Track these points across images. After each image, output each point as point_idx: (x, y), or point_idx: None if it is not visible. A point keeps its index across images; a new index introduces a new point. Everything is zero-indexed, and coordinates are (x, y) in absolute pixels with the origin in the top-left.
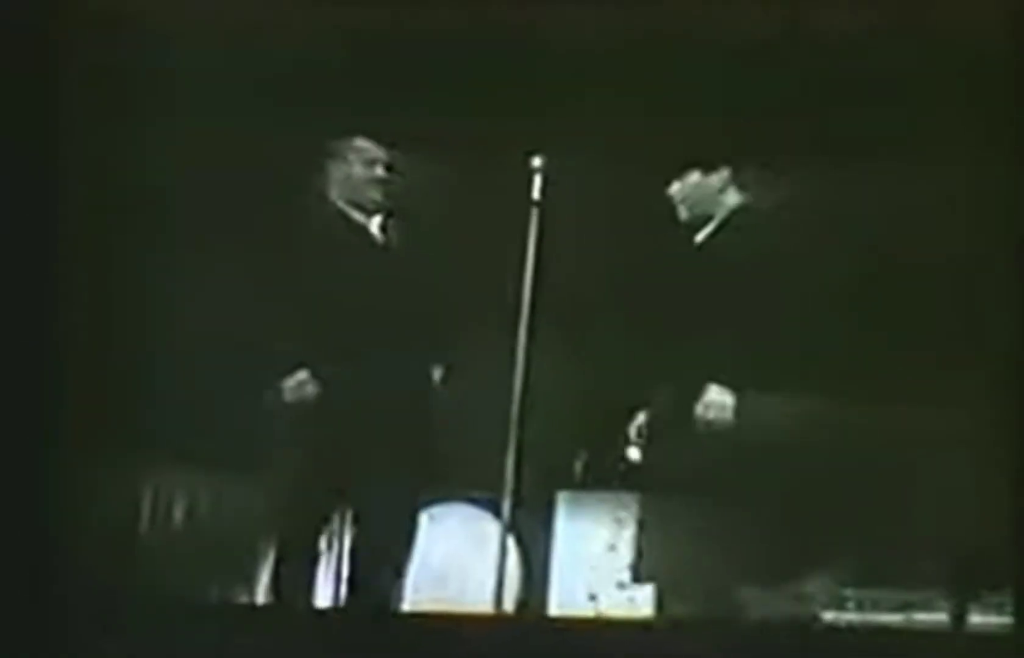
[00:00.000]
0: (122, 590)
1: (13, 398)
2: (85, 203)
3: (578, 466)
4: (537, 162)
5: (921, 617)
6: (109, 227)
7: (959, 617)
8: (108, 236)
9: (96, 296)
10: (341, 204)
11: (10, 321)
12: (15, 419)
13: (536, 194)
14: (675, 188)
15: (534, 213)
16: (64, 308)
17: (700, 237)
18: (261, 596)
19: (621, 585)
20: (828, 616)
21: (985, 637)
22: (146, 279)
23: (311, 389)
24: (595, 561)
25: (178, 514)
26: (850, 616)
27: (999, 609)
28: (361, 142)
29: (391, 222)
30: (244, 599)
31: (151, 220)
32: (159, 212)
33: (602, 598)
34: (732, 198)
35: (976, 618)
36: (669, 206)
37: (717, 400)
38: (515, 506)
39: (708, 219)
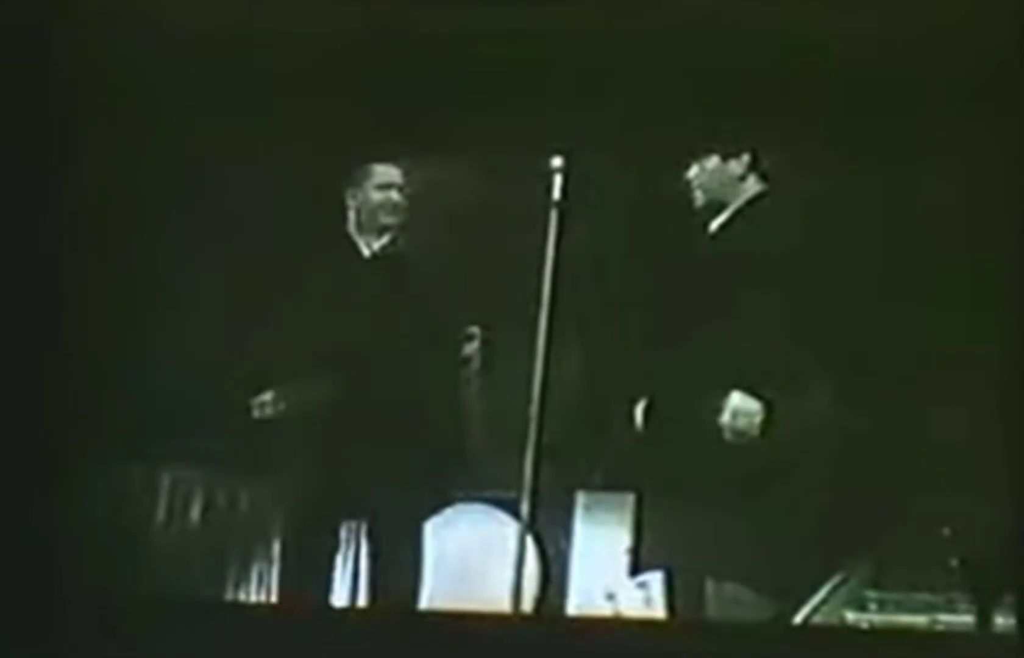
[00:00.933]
0: (125, 592)
1: (17, 400)
2: (90, 205)
3: (596, 474)
4: (557, 162)
5: (944, 619)
6: (113, 228)
7: (983, 619)
8: (112, 236)
9: (98, 298)
10: (351, 230)
11: (13, 323)
12: (19, 421)
13: (556, 194)
14: (693, 172)
15: (554, 213)
16: (67, 311)
17: (715, 224)
18: (277, 595)
19: (640, 584)
20: (850, 616)
21: (1007, 637)
22: (150, 280)
23: (326, 391)
24: (613, 561)
25: (186, 514)
26: (872, 617)
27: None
28: (379, 167)
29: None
30: (260, 598)
31: (156, 222)
32: (166, 214)
33: (620, 597)
34: (751, 186)
35: (999, 620)
36: (686, 193)
37: (737, 402)
38: (534, 506)
39: (723, 206)
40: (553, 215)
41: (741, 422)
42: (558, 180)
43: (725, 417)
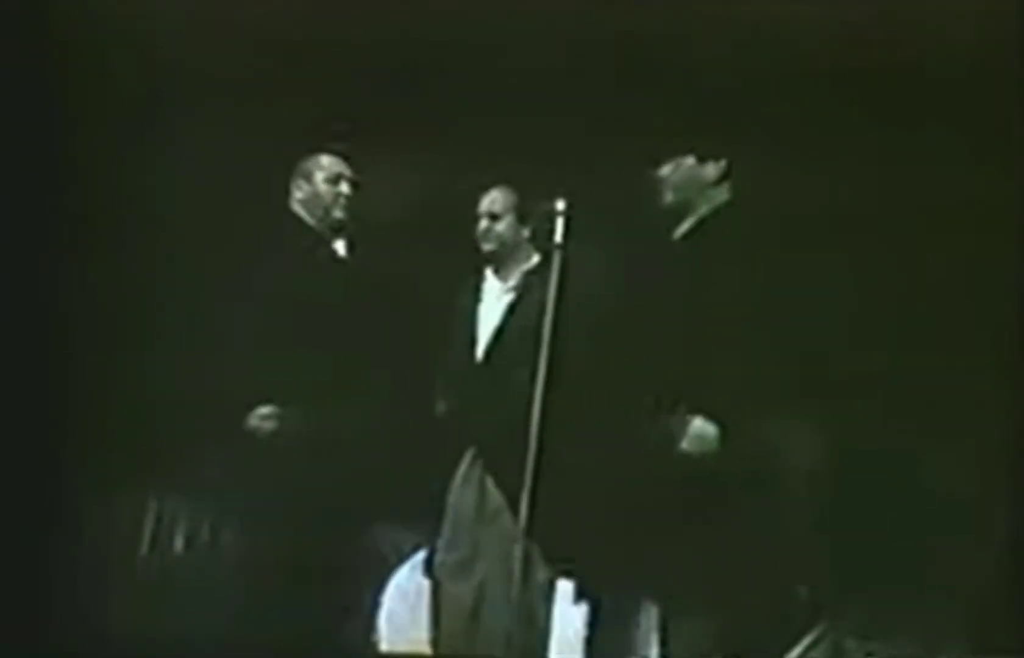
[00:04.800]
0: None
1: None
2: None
3: None
4: (560, 205)
5: None
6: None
7: None
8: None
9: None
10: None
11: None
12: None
13: (559, 237)
14: (666, 170)
15: (556, 255)
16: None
17: (680, 231)
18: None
19: None
20: None
21: None
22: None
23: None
24: None
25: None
26: None
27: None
28: (325, 158)
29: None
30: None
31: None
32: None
33: None
34: (721, 194)
35: None
36: (654, 193)
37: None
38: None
39: (690, 210)
40: (556, 257)
41: (696, 446)
42: (560, 223)
43: (684, 444)
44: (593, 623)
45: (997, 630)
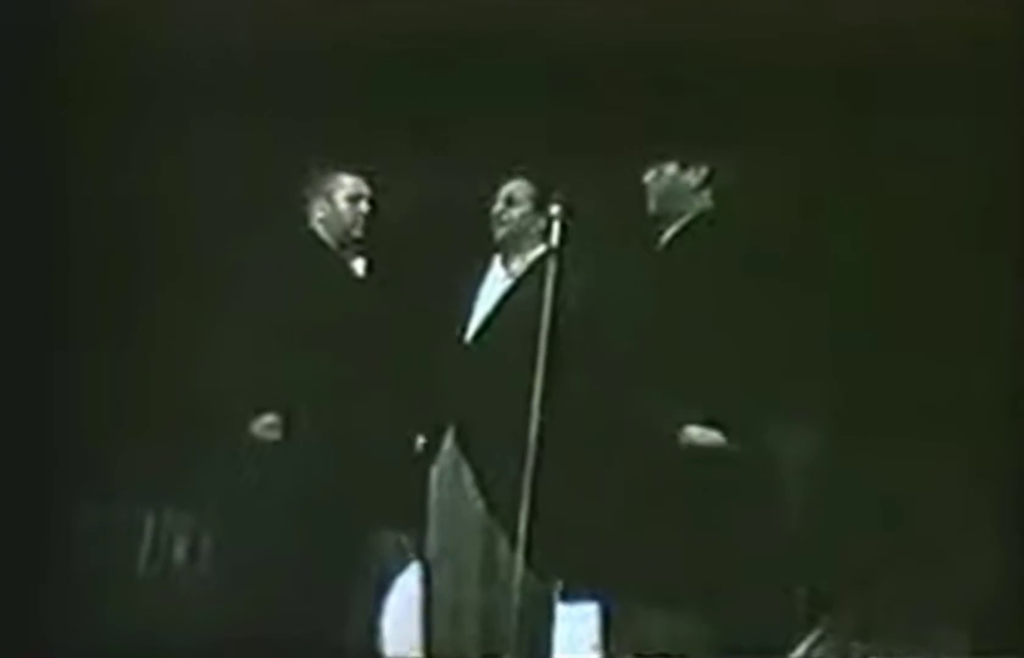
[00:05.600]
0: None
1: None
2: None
3: None
4: (555, 210)
5: None
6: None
7: None
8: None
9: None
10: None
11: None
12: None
13: (554, 240)
14: (649, 176)
15: (552, 259)
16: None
17: (667, 235)
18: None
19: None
20: None
21: None
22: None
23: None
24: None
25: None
26: None
27: None
28: (346, 178)
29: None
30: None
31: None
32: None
33: None
34: (704, 201)
35: None
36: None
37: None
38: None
39: (675, 217)
40: (551, 262)
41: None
42: (556, 227)
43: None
44: (591, 623)
45: (997, 630)
